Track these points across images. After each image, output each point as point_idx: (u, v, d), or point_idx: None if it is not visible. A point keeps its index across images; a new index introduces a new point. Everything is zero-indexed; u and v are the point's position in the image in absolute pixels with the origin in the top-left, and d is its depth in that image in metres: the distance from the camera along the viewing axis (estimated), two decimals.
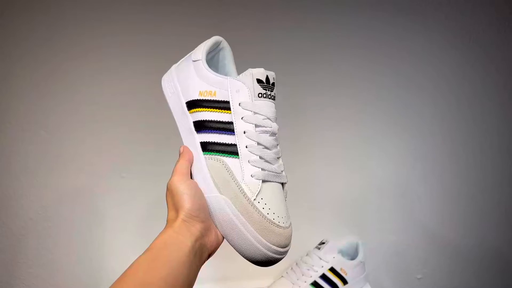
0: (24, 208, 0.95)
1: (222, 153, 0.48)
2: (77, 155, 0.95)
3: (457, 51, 0.97)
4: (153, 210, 0.97)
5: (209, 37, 0.54)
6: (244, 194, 0.47)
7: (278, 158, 0.51)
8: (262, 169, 0.48)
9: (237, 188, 0.47)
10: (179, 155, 0.51)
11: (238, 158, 0.48)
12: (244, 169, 0.47)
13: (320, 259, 0.93)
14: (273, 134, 0.49)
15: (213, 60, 0.56)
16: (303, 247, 0.97)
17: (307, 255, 0.96)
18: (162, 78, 0.56)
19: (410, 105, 1.00)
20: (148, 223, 0.98)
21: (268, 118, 0.49)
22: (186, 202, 0.46)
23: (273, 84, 0.50)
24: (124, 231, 0.99)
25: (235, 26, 0.91)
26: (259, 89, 0.48)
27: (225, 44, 0.56)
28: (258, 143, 0.48)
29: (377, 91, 0.98)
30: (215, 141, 0.49)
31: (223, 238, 0.49)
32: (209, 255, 0.48)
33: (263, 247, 0.46)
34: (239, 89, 0.48)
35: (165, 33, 0.90)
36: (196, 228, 0.46)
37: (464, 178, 1.05)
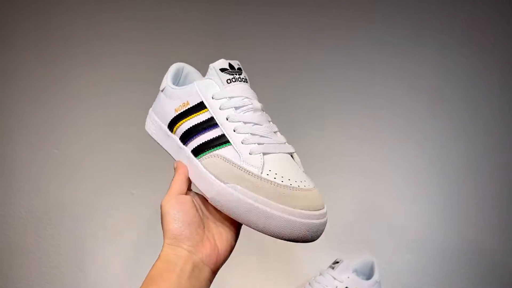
0: (33, 226, 0.95)
1: (214, 148, 0.46)
2: (87, 173, 0.95)
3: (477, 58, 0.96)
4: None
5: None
6: (249, 172, 0.44)
7: (275, 132, 0.48)
8: (259, 143, 0.45)
9: (240, 170, 0.44)
10: (175, 171, 0.49)
11: (231, 144, 0.46)
12: (240, 150, 0.45)
13: (334, 279, 0.90)
14: (257, 110, 0.48)
15: (179, 85, 0.55)
16: (316, 266, 0.94)
17: (320, 274, 0.93)
18: (145, 125, 0.56)
19: (426, 122, 0.99)
20: (158, 241, 0.97)
21: (246, 97, 0.48)
22: (168, 223, 0.44)
23: (239, 69, 0.49)
24: (134, 248, 0.98)
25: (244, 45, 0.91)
26: (225, 76, 0.48)
27: (188, 68, 0.55)
28: (245, 122, 0.46)
29: (392, 110, 0.97)
30: (204, 141, 0.47)
31: (231, 248, 0.47)
32: (214, 270, 0.45)
33: (292, 215, 0.41)
34: (207, 85, 0.48)
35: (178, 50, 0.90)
36: (182, 248, 0.43)
37: (484, 195, 1.02)
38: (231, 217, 0.45)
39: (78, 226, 0.96)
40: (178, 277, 0.41)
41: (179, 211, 0.45)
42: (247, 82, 0.50)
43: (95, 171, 0.95)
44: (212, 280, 0.45)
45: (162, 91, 0.53)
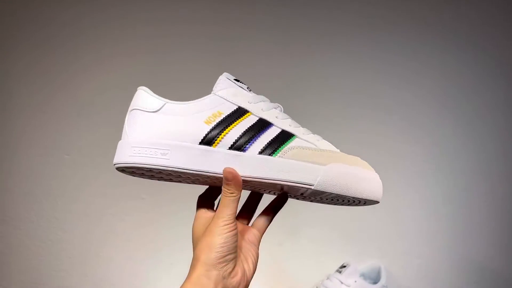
0: (44, 230, 0.96)
1: (285, 143, 0.48)
2: (97, 178, 0.96)
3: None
4: (173, 232, 0.97)
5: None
6: (333, 152, 0.48)
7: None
8: (313, 133, 0.50)
9: (325, 152, 0.48)
10: (224, 187, 0.45)
11: (296, 136, 0.49)
12: (309, 140, 0.49)
13: (342, 283, 0.90)
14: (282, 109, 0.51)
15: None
16: (323, 270, 0.94)
17: (327, 278, 0.93)
18: (142, 160, 0.47)
19: (434, 126, 0.98)
20: (168, 246, 0.98)
21: (268, 100, 0.50)
22: (210, 250, 0.42)
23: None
24: (144, 253, 0.99)
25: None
26: (243, 85, 0.50)
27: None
28: (291, 118, 0.50)
29: (400, 114, 0.97)
30: (269, 141, 0.47)
31: (254, 271, 0.47)
32: None
33: (375, 174, 0.49)
34: (234, 92, 0.48)
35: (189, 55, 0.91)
36: (217, 272, 0.42)
37: (494, 200, 1.01)
38: (341, 194, 0.47)
39: (88, 231, 0.97)
40: None
41: (228, 238, 0.43)
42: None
43: (105, 176, 0.96)
44: None
45: (157, 111, 0.47)
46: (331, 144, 0.50)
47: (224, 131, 0.46)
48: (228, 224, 0.43)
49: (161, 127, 0.46)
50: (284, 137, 0.48)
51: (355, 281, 0.90)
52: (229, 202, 0.44)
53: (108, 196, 0.96)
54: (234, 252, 0.43)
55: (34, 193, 0.95)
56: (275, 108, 0.50)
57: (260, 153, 0.46)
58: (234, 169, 0.44)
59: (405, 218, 1.02)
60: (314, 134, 0.50)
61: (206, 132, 0.46)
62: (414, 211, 1.02)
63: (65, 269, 0.98)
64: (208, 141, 0.46)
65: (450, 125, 0.99)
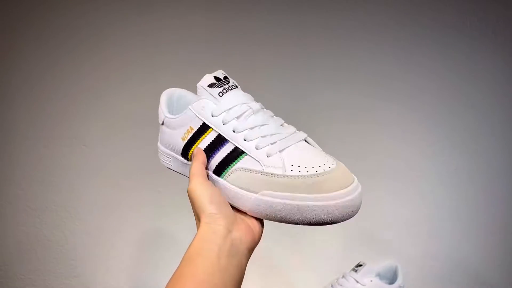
0: (63, 220, 0.98)
1: (233, 163, 0.46)
2: (114, 169, 0.97)
3: None
4: (188, 224, 0.97)
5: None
6: (274, 175, 0.43)
7: (282, 125, 0.48)
8: (272, 143, 0.45)
9: (264, 175, 0.44)
10: (192, 159, 0.48)
11: (246, 154, 0.45)
12: (257, 156, 0.45)
13: (357, 282, 0.89)
14: (257, 111, 0.47)
15: (180, 109, 0.54)
16: (339, 268, 0.94)
17: (343, 277, 0.92)
18: (160, 160, 0.56)
19: (455, 127, 0.97)
20: (184, 238, 0.98)
21: (243, 103, 0.47)
22: (204, 203, 0.44)
23: (225, 78, 0.49)
24: (160, 245, 1.00)
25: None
26: (215, 90, 0.47)
27: (178, 91, 0.55)
28: (251, 128, 0.46)
29: (420, 116, 0.96)
30: (220, 160, 0.47)
31: (261, 230, 0.46)
32: (250, 249, 0.45)
33: (331, 199, 0.41)
34: (202, 105, 0.47)
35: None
36: (220, 225, 0.43)
37: (508, 204, 0.99)
38: (275, 221, 0.44)
39: (105, 221, 0.98)
40: (218, 256, 0.41)
41: (212, 193, 0.45)
42: (237, 87, 0.49)
43: (123, 169, 0.97)
44: (248, 259, 0.45)
45: (162, 124, 0.52)
46: (295, 153, 0.45)
47: (193, 148, 0.49)
48: (206, 184, 0.45)
49: (165, 138, 0.53)
50: (234, 155, 0.46)
51: (371, 281, 0.89)
52: (197, 167, 0.47)
53: (125, 188, 0.97)
54: (227, 207, 0.45)
55: (54, 183, 0.97)
56: (238, 117, 0.46)
57: (214, 172, 0.48)
58: (200, 150, 0.48)
59: (424, 220, 1.00)
60: (277, 141, 0.45)
61: (182, 148, 0.50)
62: (434, 213, 1.00)
63: (81, 258, 0.99)
64: (184, 155, 0.51)
65: (471, 125, 0.96)
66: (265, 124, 0.46)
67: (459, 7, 0.93)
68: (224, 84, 0.48)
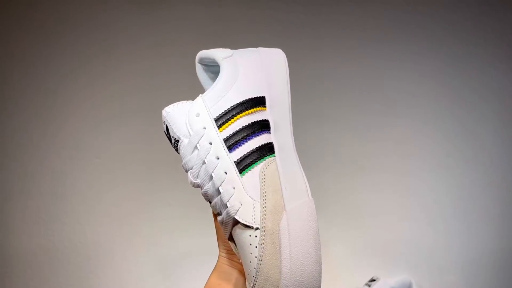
0: (75, 232, 0.98)
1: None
2: (127, 182, 0.97)
3: None
4: (200, 238, 0.97)
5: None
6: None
7: None
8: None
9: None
10: None
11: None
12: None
13: None
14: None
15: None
16: (352, 283, 0.92)
17: None
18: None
19: (470, 134, 0.95)
20: (195, 253, 0.98)
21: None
22: (219, 245, 0.45)
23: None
24: (170, 259, 0.99)
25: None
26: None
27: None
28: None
29: (432, 123, 0.95)
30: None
31: None
32: None
33: None
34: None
35: None
36: (237, 261, 0.43)
37: None
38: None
39: (117, 233, 0.98)
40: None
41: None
42: None
43: (135, 181, 0.97)
44: None
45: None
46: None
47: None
48: None
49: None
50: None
51: None
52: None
53: (137, 201, 0.97)
54: None
55: (66, 195, 0.97)
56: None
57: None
58: None
59: (439, 233, 0.98)
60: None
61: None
62: (449, 226, 0.98)
63: (93, 271, 0.99)
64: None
65: (488, 132, 0.95)
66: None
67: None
68: None
